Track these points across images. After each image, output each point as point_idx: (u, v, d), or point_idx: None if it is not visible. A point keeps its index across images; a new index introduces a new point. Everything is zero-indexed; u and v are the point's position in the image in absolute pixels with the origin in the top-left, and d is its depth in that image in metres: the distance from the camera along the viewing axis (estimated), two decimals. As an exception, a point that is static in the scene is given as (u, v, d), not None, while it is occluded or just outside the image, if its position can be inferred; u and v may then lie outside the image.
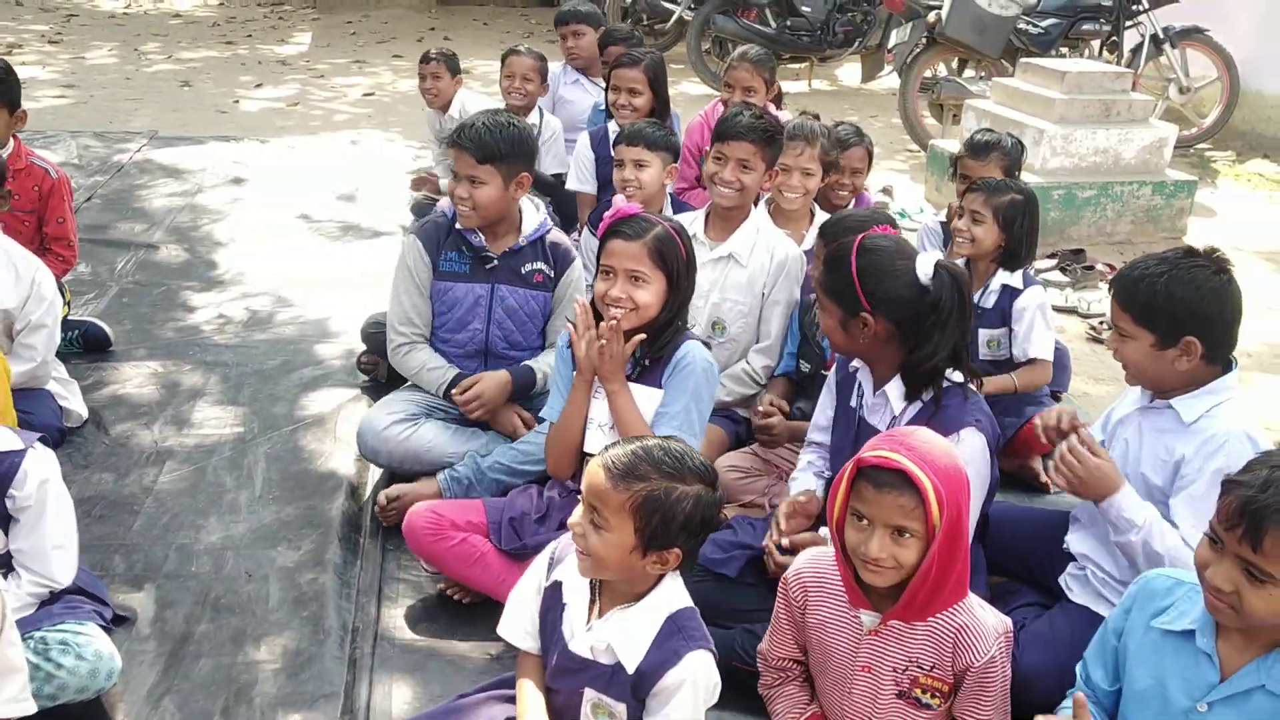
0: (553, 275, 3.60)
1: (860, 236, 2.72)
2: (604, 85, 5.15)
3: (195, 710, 2.64)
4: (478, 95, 6.38)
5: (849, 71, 10.66)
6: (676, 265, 2.86)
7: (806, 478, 2.99)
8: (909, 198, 6.73)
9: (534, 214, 3.61)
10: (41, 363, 3.60)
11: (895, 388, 2.70)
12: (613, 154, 4.20)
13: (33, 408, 3.51)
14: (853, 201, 4.48)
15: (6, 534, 2.62)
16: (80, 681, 2.53)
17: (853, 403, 2.85)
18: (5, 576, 2.63)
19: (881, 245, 2.70)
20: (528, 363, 3.58)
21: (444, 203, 4.64)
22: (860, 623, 2.27)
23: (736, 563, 2.84)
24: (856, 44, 9.62)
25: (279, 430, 3.90)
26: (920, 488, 2.07)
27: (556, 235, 3.68)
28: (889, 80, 9.53)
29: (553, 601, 2.26)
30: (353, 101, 8.92)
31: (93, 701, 2.58)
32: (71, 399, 3.80)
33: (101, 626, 2.72)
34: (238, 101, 8.72)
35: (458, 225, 3.52)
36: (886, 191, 6.56)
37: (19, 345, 3.56)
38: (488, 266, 3.55)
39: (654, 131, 3.99)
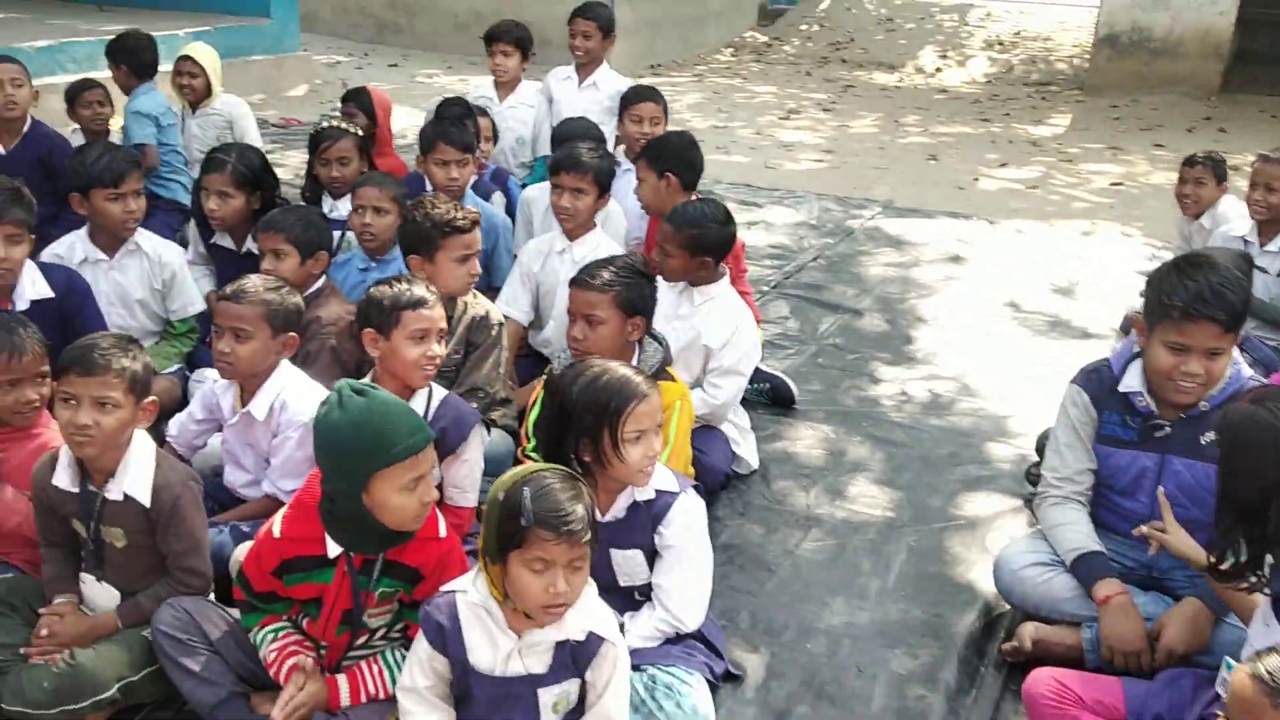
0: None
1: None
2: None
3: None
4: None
5: None
6: None
7: None
8: None
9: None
10: (722, 404, 3.84)
11: None
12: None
13: (707, 448, 3.75)
14: None
15: (651, 567, 2.81)
16: (673, 729, 2.61)
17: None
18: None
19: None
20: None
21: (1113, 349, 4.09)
22: None
23: None
24: None
25: (928, 524, 3.76)
26: None
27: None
28: None
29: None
30: (1096, 190, 8.48)
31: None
32: (745, 446, 4.01)
33: (709, 680, 2.79)
34: (977, 179, 8.74)
35: (1121, 387, 3.03)
36: None
37: (708, 384, 3.84)
38: (1158, 435, 3.01)
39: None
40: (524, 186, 5.50)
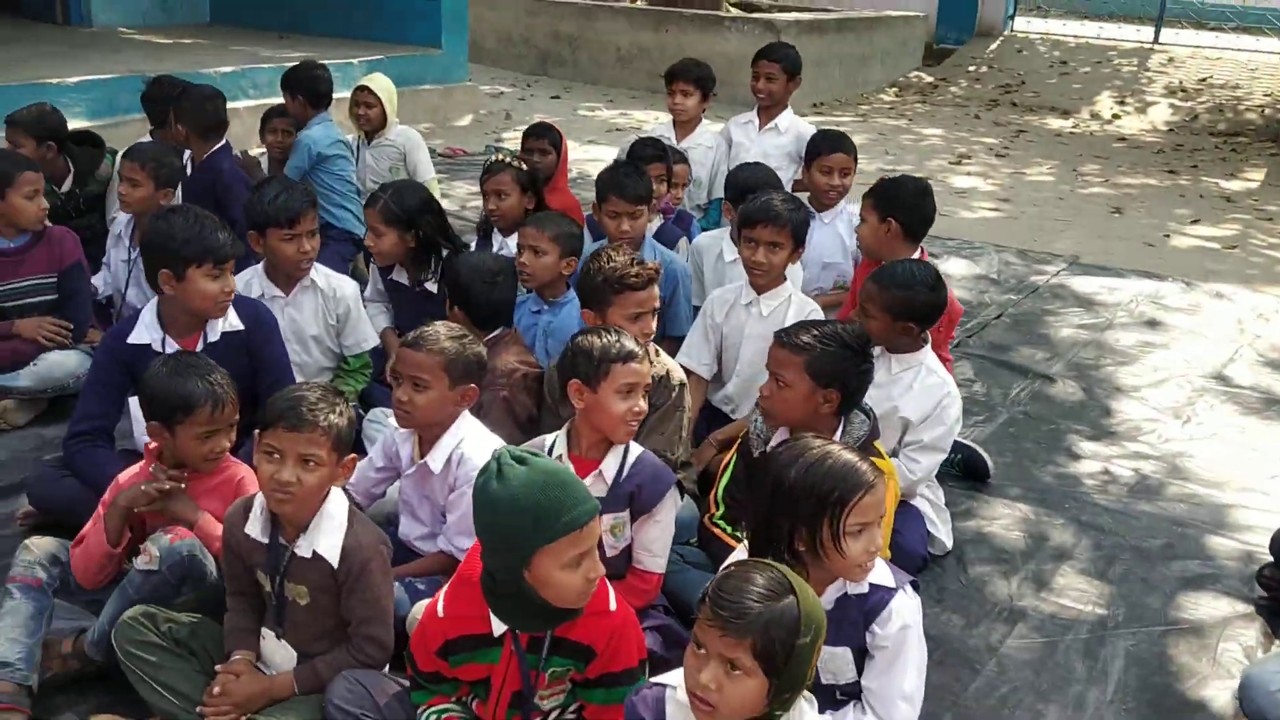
0: None
1: None
2: None
3: None
4: None
5: None
6: None
7: None
8: None
9: None
10: (917, 480, 3.57)
11: None
12: None
13: (903, 528, 3.48)
14: None
15: (860, 670, 2.56)
16: None
17: None
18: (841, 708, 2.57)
19: None
20: None
21: None
22: None
23: None
24: None
25: (1147, 627, 3.40)
26: None
27: None
28: None
29: None
30: (1303, 252, 7.88)
31: None
32: (940, 525, 3.72)
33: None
34: (1168, 236, 8.22)
35: None
36: None
37: (904, 456, 3.57)
38: None
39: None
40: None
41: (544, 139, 5.49)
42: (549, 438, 3.08)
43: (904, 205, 4.10)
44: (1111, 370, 5.46)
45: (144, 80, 6.23)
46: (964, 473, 4.25)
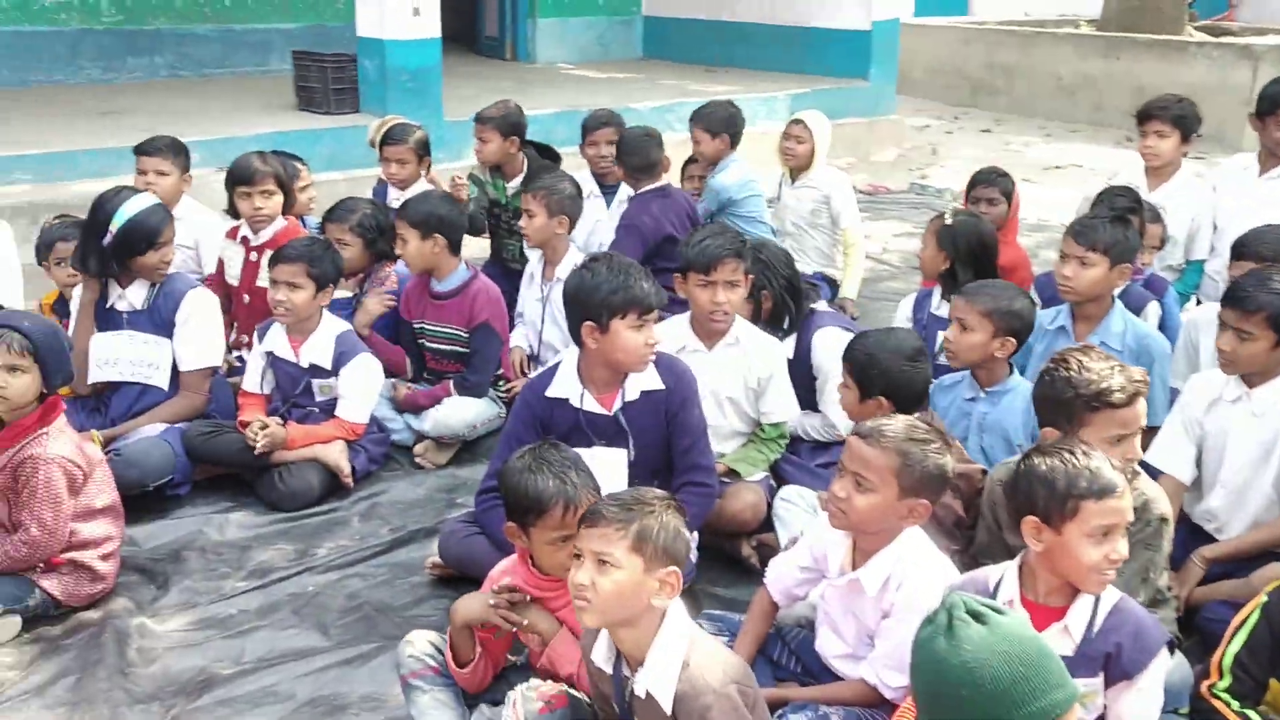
0: None
1: None
2: None
3: None
4: None
5: None
6: None
7: None
8: None
9: None
10: None
11: None
12: None
13: None
14: None
15: None
16: None
17: None
18: None
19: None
20: None
21: None
22: None
23: None
24: None
25: None
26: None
27: None
28: None
29: None
30: None
31: None
32: None
33: None
34: None
35: None
36: None
37: None
38: None
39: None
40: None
41: (994, 186, 4.90)
42: (994, 573, 2.53)
43: None
44: None
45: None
46: None
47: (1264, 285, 3.22)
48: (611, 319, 3.18)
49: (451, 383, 4.43)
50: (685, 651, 2.26)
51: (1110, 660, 2.35)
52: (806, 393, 3.99)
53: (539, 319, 4.86)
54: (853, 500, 2.60)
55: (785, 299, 4.02)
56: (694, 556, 3.09)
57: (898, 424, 2.64)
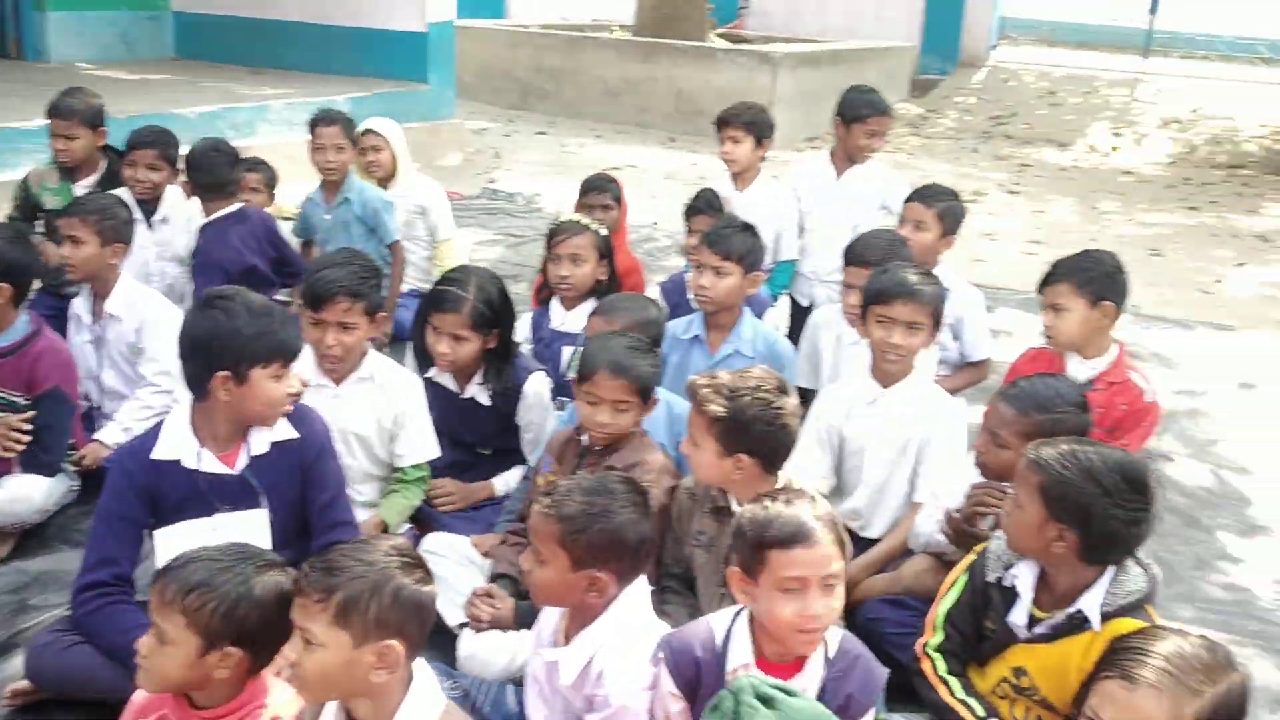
0: None
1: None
2: None
3: None
4: None
5: None
6: None
7: None
8: None
9: None
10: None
11: None
12: None
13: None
14: None
15: None
16: None
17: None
18: None
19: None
20: None
21: None
22: None
23: None
24: None
25: None
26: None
27: None
28: None
29: None
30: (1366, 300, 7.45)
31: None
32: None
33: None
34: (1219, 281, 7.77)
35: None
36: None
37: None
38: None
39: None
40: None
41: (606, 193, 4.87)
42: (718, 627, 2.34)
43: (1115, 283, 3.56)
44: (1229, 446, 4.93)
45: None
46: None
47: (920, 279, 3.41)
48: (252, 368, 2.73)
49: (16, 460, 3.63)
50: None
51: (841, 713, 2.25)
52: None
53: (94, 364, 4.14)
54: (533, 576, 2.39)
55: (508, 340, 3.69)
56: None
57: (575, 483, 2.42)
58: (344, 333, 3.36)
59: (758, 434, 2.71)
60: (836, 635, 2.32)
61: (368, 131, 5.62)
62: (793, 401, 2.80)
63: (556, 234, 4.15)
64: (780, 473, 2.82)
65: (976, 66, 16.39)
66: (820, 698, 2.21)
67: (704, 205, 4.88)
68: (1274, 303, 7.30)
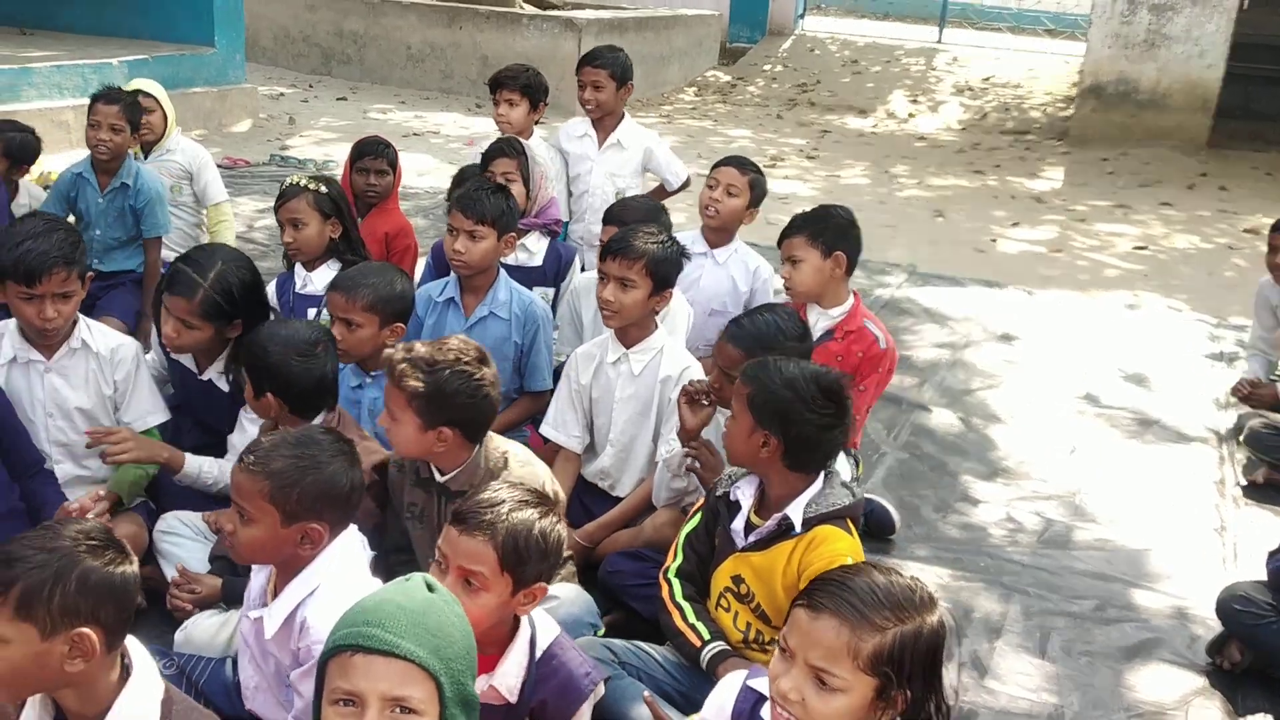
0: None
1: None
2: None
3: None
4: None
5: None
6: None
7: None
8: None
9: None
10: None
11: None
12: None
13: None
14: None
15: None
16: None
17: None
18: None
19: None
20: None
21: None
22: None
23: None
24: None
25: (1111, 715, 3.02)
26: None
27: None
28: None
29: None
30: (1122, 254, 7.93)
31: None
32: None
33: None
34: (995, 240, 8.15)
35: None
36: None
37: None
38: None
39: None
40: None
41: (382, 158, 4.75)
42: None
43: (847, 236, 3.67)
44: (983, 395, 5.18)
45: None
46: (867, 531, 3.80)
47: (642, 236, 3.42)
48: None
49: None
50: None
51: (536, 715, 2.27)
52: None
53: None
54: (239, 534, 2.32)
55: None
56: None
57: (275, 441, 2.37)
58: (64, 302, 3.19)
59: (459, 406, 2.70)
60: (550, 636, 2.31)
61: (138, 93, 5.32)
62: (491, 371, 2.80)
63: (280, 199, 4.04)
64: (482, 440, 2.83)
65: (784, 35, 16.73)
66: (521, 693, 2.23)
67: (496, 152, 4.76)
68: (1040, 259, 7.71)
